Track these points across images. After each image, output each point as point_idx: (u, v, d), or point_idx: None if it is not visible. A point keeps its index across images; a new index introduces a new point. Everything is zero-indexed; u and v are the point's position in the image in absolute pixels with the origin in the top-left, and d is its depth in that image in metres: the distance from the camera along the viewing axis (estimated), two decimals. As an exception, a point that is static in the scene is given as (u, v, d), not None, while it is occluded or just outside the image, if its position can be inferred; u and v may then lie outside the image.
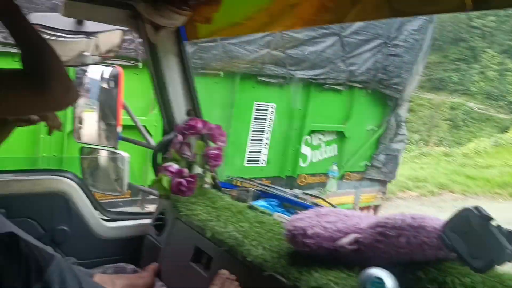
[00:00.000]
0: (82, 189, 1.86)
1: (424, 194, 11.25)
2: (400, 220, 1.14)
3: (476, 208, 1.04)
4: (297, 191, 1.76)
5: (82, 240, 1.84)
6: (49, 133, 1.50)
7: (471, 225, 1.04)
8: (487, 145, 20.88)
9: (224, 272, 1.36)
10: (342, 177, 6.29)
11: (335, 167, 5.88)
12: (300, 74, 5.29)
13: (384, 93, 6.36)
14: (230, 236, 1.42)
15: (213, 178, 1.83)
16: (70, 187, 1.83)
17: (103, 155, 2.04)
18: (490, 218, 1.02)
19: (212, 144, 1.77)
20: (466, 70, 36.82)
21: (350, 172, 6.46)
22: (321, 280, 1.13)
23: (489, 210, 1.05)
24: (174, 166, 1.69)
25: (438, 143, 23.55)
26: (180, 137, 1.73)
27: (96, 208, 1.90)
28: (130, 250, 1.89)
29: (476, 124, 32.17)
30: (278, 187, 1.83)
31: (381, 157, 6.63)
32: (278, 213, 1.58)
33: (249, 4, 1.48)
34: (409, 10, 1.11)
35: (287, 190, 1.80)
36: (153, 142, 2.01)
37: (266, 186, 1.89)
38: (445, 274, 1.07)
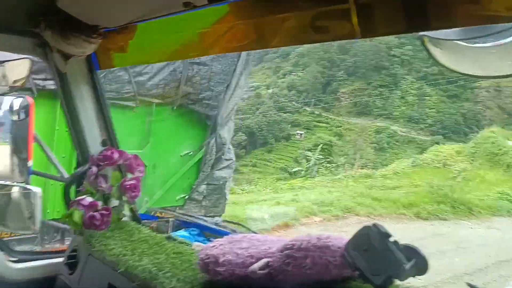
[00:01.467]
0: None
1: (328, 219, 10.92)
2: (306, 241, 1.17)
3: (375, 225, 1.10)
4: (218, 219, 1.75)
5: (-15, 286, 1.68)
6: None
7: (371, 242, 1.09)
8: (405, 166, 21.78)
9: None
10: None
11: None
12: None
13: (194, 110, 5.33)
14: (144, 269, 1.37)
15: (132, 210, 1.77)
16: None
17: (14, 191, 1.91)
18: (389, 235, 1.08)
19: (129, 175, 1.73)
20: (389, 95, 39.89)
21: (164, 207, 4.69)
22: None
23: (393, 231, 1.11)
24: (87, 199, 1.61)
25: (363, 165, 24.65)
26: (94, 169, 1.67)
27: (1, 249, 1.75)
28: None
29: (400, 146, 34.55)
30: (199, 216, 1.82)
31: (202, 188, 5.47)
32: (198, 243, 1.56)
33: (163, 32, 1.51)
34: (307, 38, 1.20)
35: (208, 218, 1.79)
36: (67, 175, 1.92)
37: (187, 215, 1.87)
38: None
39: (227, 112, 5.60)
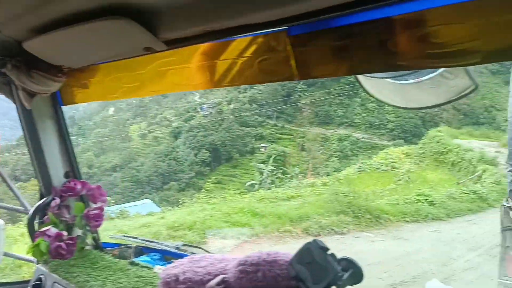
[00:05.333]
0: None
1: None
2: (257, 257, 1.31)
3: (315, 241, 1.26)
4: (179, 243, 1.85)
5: None
6: None
7: (312, 256, 1.24)
8: (351, 172, 21.11)
9: None
10: None
11: None
12: None
13: None
14: None
15: (94, 239, 1.84)
16: None
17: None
18: (327, 249, 1.24)
19: (92, 205, 1.81)
20: (349, 103, 41.04)
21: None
22: None
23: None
24: (52, 230, 1.69)
25: (316, 174, 24.77)
26: (57, 200, 1.75)
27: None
28: None
29: (363, 153, 35.37)
30: (160, 242, 1.90)
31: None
32: (159, 266, 1.66)
33: (125, 71, 1.63)
34: (255, 80, 1.38)
35: (169, 243, 1.88)
36: (29, 206, 1.97)
37: (148, 241, 1.95)
38: None
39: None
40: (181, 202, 15.23)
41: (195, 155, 38.50)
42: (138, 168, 38.36)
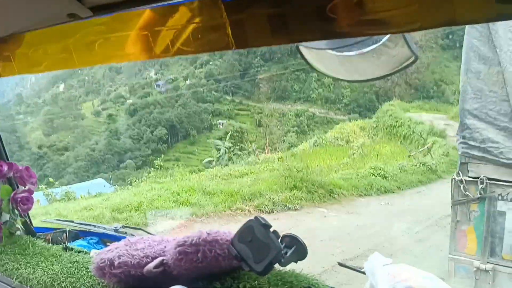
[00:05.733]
0: None
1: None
2: (197, 237, 1.25)
3: (257, 218, 1.22)
4: (117, 225, 1.76)
5: None
6: None
7: (254, 233, 1.20)
8: (307, 147, 21.22)
9: None
10: None
11: None
12: None
13: None
14: (38, 281, 1.36)
15: (25, 224, 1.72)
16: None
17: None
18: (269, 226, 1.20)
19: (21, 187, 1.68)
20: (305, 78, 41.47)
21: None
22: None
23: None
24: (-26, 216, 1.55)
25: (273, 150, 24.93)
26: (-20, 184, 1.60)
27: None
28: None
29: (319, 128, 36.12)
30: (97, 224, 1.81)
31: None
32: (96, 250, 1.57)
33: (50, 41, 1.49)
34: (189, 50, 1.29)
35: (107, 226, 1.79)
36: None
37: (85, 224, 1.85)
38: (238, 281, 1.22)
39: None
40: (133, 181, 14.51)
41: (151, 132, 37.68)
42: (92, 146, 37.10)
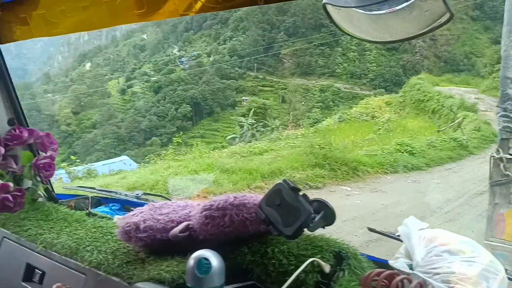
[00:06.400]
0: None
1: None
2: (224, 201, 1.18)
3: (285, 181, 1.13)
4: (139, 192, 1.71)
5: None
6: None
7: (283, 197, 1.12)
8: (332, 122, 20.82)
9: (58, 286, 1.27)
10: None
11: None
12: None
13: None
14: (63, 246, 1.32)
15: (47, 190, 1.68)
16: None
17: None
18: (298, 189, 1.11)
19: (42, 154, 1.64)
20: (330, 53, 40.59)
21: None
22: (153, 272, 1.13)
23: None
24: (-3, 182, 1.52)
25: (297, 126, 24.56)
26: (1, 150, 1.56)
27: None
28: None
29: (345, 103, 35.46)
30: (119, 191, 1.76)
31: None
32: (119, 216, 1.53)
33: (68, 1, 1.42)
34: (217, 6, 1.19)
35: (128, 192, 1.74)
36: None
37: (107, 191, 1.81)
38: (266, 246, 1.14)
39: None
40: (151, 159, 14.45)
41: (176, 109, 37.96)
42: (118, 124, 37.78)
